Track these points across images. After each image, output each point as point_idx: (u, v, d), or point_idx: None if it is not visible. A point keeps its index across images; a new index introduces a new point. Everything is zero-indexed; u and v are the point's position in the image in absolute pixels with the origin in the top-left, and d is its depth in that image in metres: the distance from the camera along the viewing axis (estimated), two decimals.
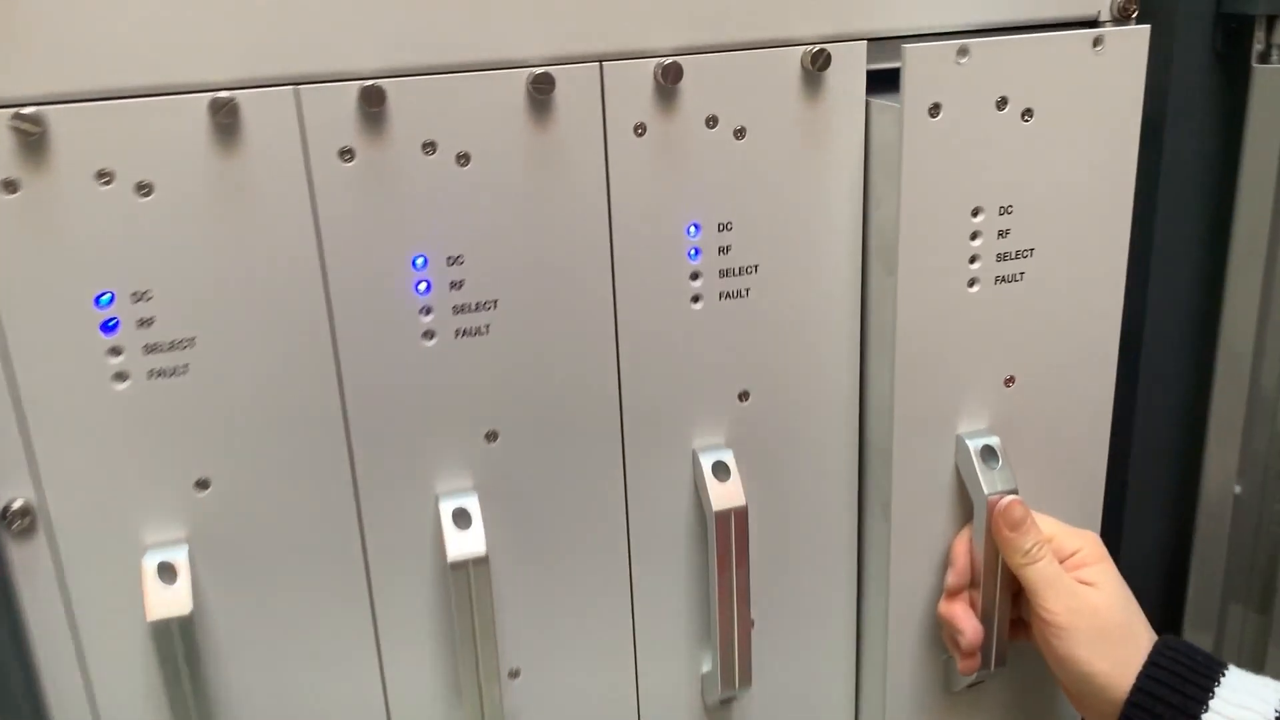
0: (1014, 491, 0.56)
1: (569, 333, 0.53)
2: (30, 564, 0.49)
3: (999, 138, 0.54)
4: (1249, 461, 0.64)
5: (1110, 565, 0.56)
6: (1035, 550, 0.55)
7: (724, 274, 0.55)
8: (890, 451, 0.57)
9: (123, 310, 0.48)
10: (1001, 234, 0.55)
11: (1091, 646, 0.53)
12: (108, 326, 0.48)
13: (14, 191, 0.45)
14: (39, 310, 0.47)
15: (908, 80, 0.51)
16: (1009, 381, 0.58)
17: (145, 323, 0.48)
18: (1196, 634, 0.67)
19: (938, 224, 0.54)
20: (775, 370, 0.57)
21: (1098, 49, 0.54)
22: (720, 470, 0.56)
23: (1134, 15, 0.58)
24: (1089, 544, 0.57)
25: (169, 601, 0.49)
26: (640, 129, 0.51)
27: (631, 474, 0.57)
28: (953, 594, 0.59)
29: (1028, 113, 0.54)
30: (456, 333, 0.52)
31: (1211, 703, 0.50)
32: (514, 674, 0.58)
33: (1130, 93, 0.55)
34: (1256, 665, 0.65)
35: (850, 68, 0.54)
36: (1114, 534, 0.64)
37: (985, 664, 0.59)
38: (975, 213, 0.55)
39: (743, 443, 0.58)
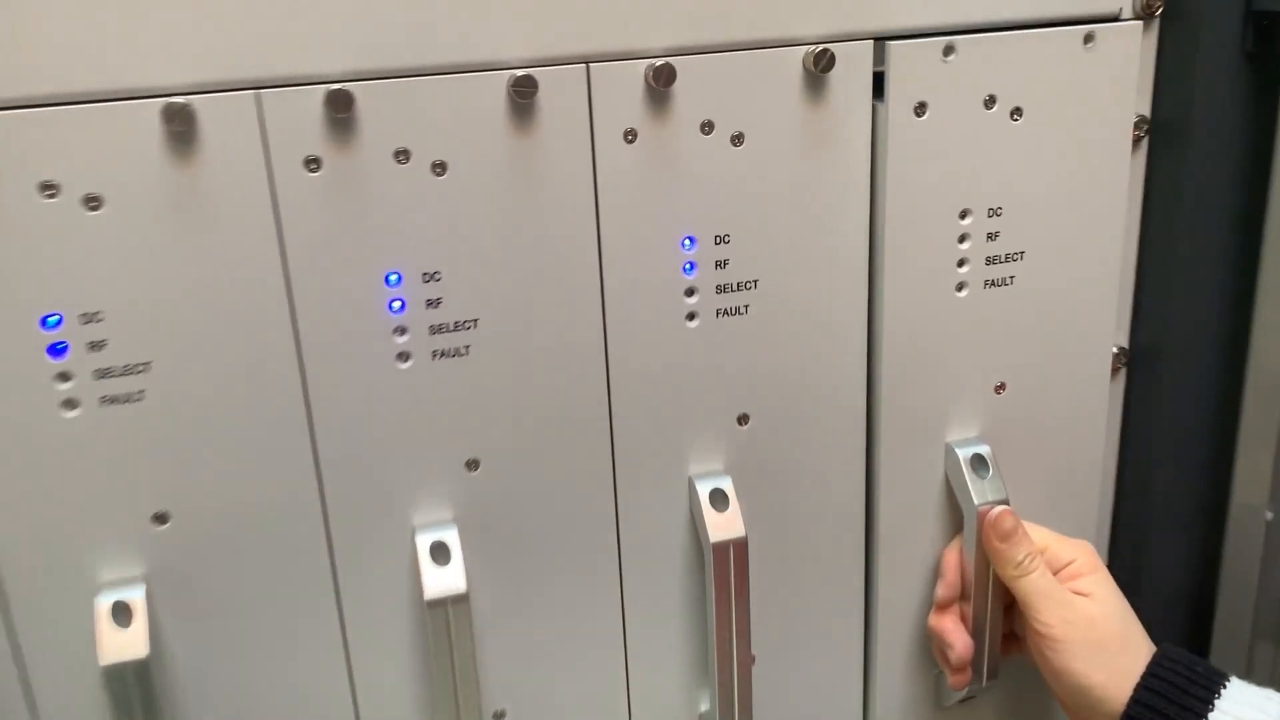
0: (1005, 501, 0.56)
1: (555, 353, 0.51)
2: None
3: (987, 138, 0.53)
4: None
5: (1105, 575, 0.56)
6: (1027, 562, 0.54)
7: (721, 290, 0.53)
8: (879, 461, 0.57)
9: (71, 332, 0.45)
10: (991, 237, 0.55)
11: (1088, 658, 0.52)
12: (55, 350, 0.45)
13: None
14: None
15: (892, 79, 0.51)
16: (999, 388, 0.58)
17: (96, 346, 0.46)
18: None
19: (924, 226, 0.54)
20: (777, 392, 0.55)
21: (1089, 46, 0.53)
22: (718, 499, 0.54)
23: (1158, 12, 0.56)
24: (1083, 554, 0.56)
25: (124, 644, 0.47)
26: (630, 135, 0.49)
27: (623, 504, 0.55)
28: (942, 607, 0.59)
29: (1017, 112, 0.53)
30: (434, 354, 0.49)
31: (1211, 715, 0.49)
32: (498, 716, 0.56)
33: (1123, 91, 0.55)
34: None
35: (855, 69, 0.51)
36: (1135, 564, 0.64)
37: (977, 678, 0.58)
38: (963, 215, 0.54)
39: (742, 469, 0.55)
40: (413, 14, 0.45)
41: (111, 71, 0.43)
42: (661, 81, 0.48)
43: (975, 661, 0.58)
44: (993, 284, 0.56)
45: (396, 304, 0.48)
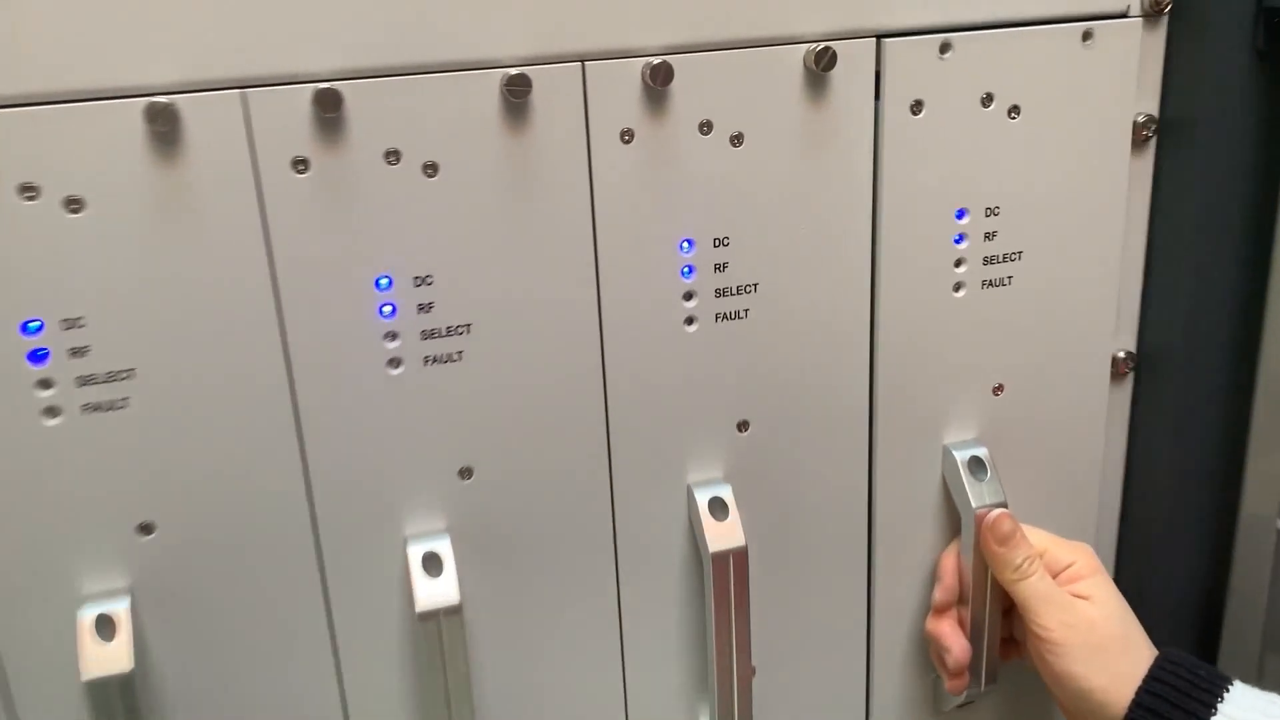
0: (1003, 504, 0.56)
1: (550, 359, 0.50)
2: None
3: (985, 136, 0.53)
4: None
5: (1105, 578, 0.56)
6: (1026, 565, 0.54)
7: (720, 294, 0.52)
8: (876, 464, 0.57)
9: (53, 339, 0.44)
10: (988, 236, 0.55)
11: (1088, 662, 0.52)
12: (36, 356, 0.44)
13: None
14: None
15: (887, 76, 0.50)
16: (997, 389, 0.58)
17: (78, 352, 0.45)
18: None
19: (921, 226, 0.53)
20: (777, 398, 0.54)
21: (1087, 44, 0.53)
22: (717, 507, 0.53)
23: (1167, 10, 0.55)
24: (1083, 556, 0.56)
25: (107, 658, 0.46)
26: (627, 135, 0.48)
27: (620, 513, 0.54)
28: (940, 611, 0.58)
29: (1014, 110, 0.53)
30: (425, 360, 0.48)
31: (1214, 719, 0.49)
32: None
33: (1122, 89, 0.55)
34: None
35: (858, 68, 0.51)
36: (1143, 573, 0.64)
37: (975, 682, 0.58)
38: (960, 214, 0.54)
39: (742, 477, 0.55)
40: (403, 11, 0.44)
41: (92, 70, 0.42)
42: (659, 80, 0.47)
43: (974, 666, 0.57)
44: (990, 284, 0.56)
45: (387, 308, 0.47)
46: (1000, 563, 0.55)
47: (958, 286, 0.55)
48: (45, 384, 0.45)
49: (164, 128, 0.42)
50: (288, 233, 0.45)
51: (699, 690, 0.58)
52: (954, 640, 0.57)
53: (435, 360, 0.49)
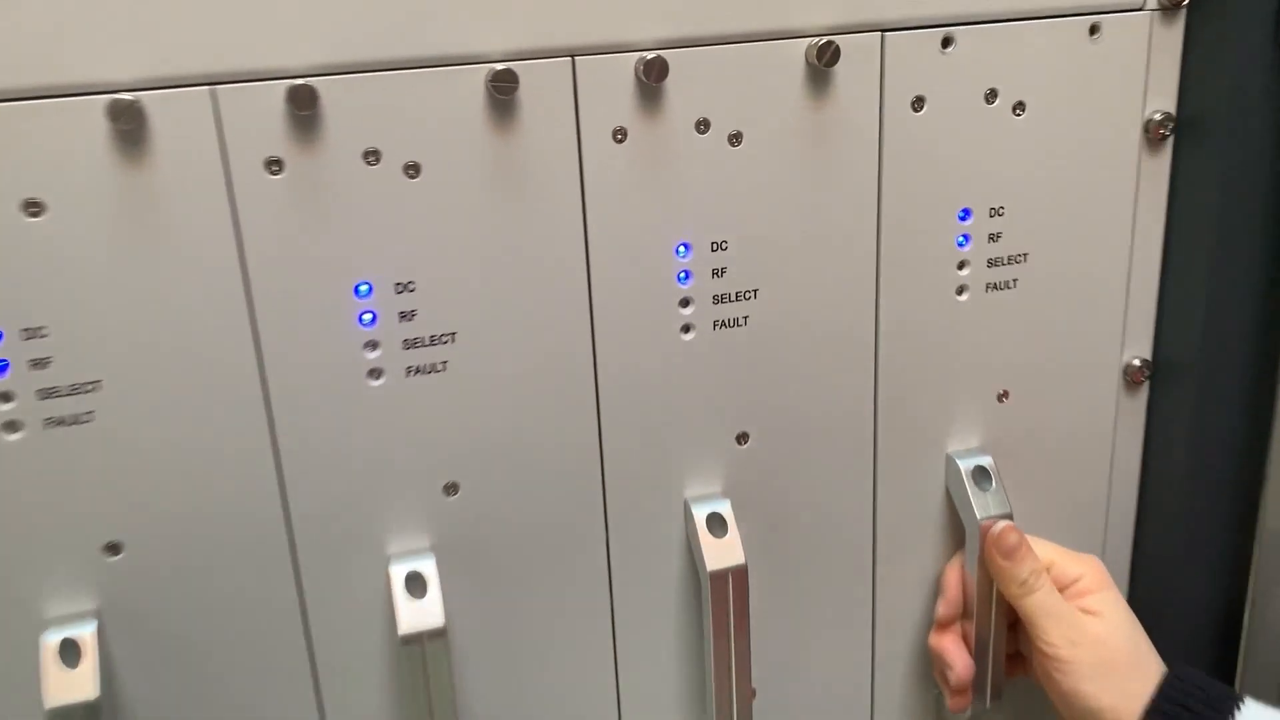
0: (1009, 516, 0.55)
1: (539, 370, 0.49)
2: None
3: (989, 133, 0.52)
4: None
5: (1114, 592, 0.55)
6: (1032, 579, 0.54)
7: (718, 300, 0.51)
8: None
9: (13, 350, 0.42)
10: (993, 238, 0.54)
11: (1096, 680, 0.52)
12: None
13: None
14: None
15: (888, 71, 0.49)
16: (1002, 396, 0.57)
17: (40, 364, 0.43)
18: None
19: (922, 227, 0.53)
20: (778, 408, 0.53)
21: (1095, 37, 0.53)
22: (716, 524, 0.52)
23: (1184, 3, 0.54)
24: (1091, 570, 0.55)
25: (71, 685, 0.44)
26: (620, 134, 0.47)
27: (614, 530, 0.52)
28: (943, 625, 0.58)
29: (1019, 106, 0.52)
30: (408, 370, 0.47)
31: None
32: None
33: (1131, 84, 0.54)
34: None
35: (862, 63, 0.49)
36: (1159, 590, 0.63)
37: (979, 699, 0.57)
38: (964, 215, 0.53)
39: (741, 491, 0.54)
40: (382, 3, 0.43)
41: (52, 65, 0.40)
42: (653, 76, 0.46)
43: (978, 682, 0.57)
44: (995, 287, 0.55)
45: (367, 316, 0.46)
46: (1005, 576, 0.54)
47: (961, 290, 0.54)
48: (5, 397, 0.43)
49: (128, 126, 0.41)
50: (261, 237, 0.44)
51: (697, 713, 0.57)
52: (957, 657, 0.56)
53: (418, 371, 0.47)
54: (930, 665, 0.59)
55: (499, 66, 0.44)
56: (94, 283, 0.42)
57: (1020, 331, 0.56)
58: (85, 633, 0.45)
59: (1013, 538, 0.54)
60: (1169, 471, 0.61)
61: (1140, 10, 0.53)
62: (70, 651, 0.45)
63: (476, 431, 0.49)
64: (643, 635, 0.54)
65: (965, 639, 0.57)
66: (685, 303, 0.50)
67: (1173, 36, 0.55)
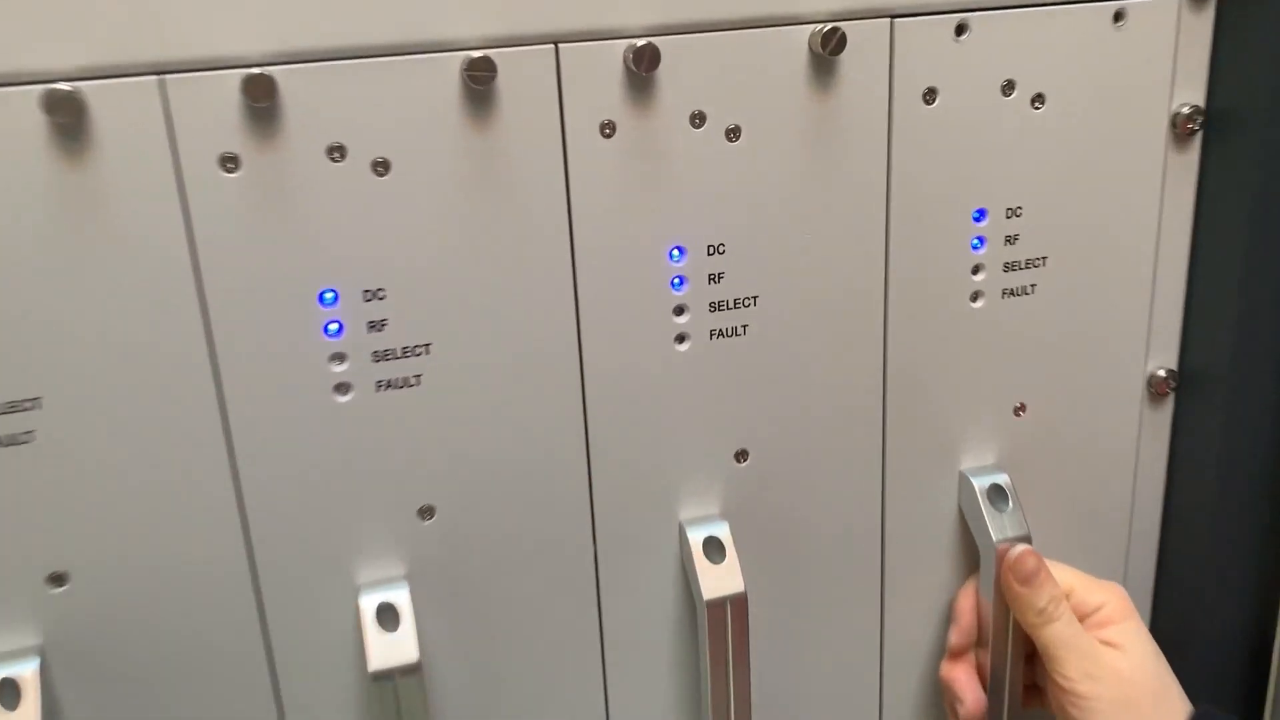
0: (1026, 538, 0.54)
1: (521, 383, 0.47)
2: None
3: (1005, 128, 0.51)
4: None
5: (1138, 623, 0.54)
6: (1051, 607, 0.52)
7: (715, 307, 0.49)
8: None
9: None
10: (1009, 240, 0.53)
11: (1116, 718, 0.51)
12: None
13: None
14: None
15: (898, 61, 0.48)
16: (1019, 409, 0.56)
17: None
18: None
19: (934, 229, 0.52)
20: (779, 423, 0.52)
21: (1119, 25, 0.52)
22: (713, 548, 0.51)
23: None
24: (1113, 598, 0.54)
25: None
26: (608, 129, 0.45)
27: (604, 555, 0.51)
28: (956, 655, 0.57)
29: (1038, 99, 0.51)
30: (378, 385, 0.45)
31: None
32: None
33: (1158, 75, 0.53)
34: None
35: (870, 52, 0.48)
36: (1184, 617, 0.62)
37: None
38: (979, 216, 0.52)
39: (740, 513, 0.52)
40: None
41: None
42: (644, 65, 0.44)
43: (992, 716, 0.55)
44: (1011, 293, 0.54)
45: (333, 326, 0.44)
46: (1023, 604, 0.53)
47: (975, 296, 0.53)
48: None
49: (67, 119, 0.39)
50: (216, 241, 0.42)
51: None
52: (968, 690, 0.55)
53: (389, 385, 0.46)
54: (941, 697, 0.58)
55: (475, 54, 0.42)
56: (33, 290, 0.40)
57: (1038, 340, 0.55)
58: (26, 671, 0.43)
59: (1031, 562, 0.53)
60: (1196, 490, 0.60)
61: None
62: (9, 692, 0.43)
63: (453, 450, 0.47)
64: (634, 669, 0.53)
65: (979, 670, 0.56)
66: (680, 311, 0.49)
67: (1202, 24, 0.53)
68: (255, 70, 0.40)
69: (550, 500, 0.49)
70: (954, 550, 0.57)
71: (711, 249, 0.48)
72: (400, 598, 0.47)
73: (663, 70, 0.45)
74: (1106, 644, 0.52)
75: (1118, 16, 0.51)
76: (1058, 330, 0.55)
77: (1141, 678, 0.51)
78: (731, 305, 0.49)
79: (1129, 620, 0.53)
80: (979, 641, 0.56)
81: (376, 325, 0.44)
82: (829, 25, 0.46)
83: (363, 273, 0.44)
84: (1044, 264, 0.54)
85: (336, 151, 0.42)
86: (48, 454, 0.42)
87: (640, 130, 0.45)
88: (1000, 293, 0.53)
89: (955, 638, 0.56)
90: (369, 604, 0.46)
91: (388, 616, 0.46)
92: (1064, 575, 0.54)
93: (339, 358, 0.44)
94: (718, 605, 0.49)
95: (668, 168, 0.46)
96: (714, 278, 0.48)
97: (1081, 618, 0.53)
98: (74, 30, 0.38)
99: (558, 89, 0.44)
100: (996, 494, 0.55)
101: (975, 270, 0.53)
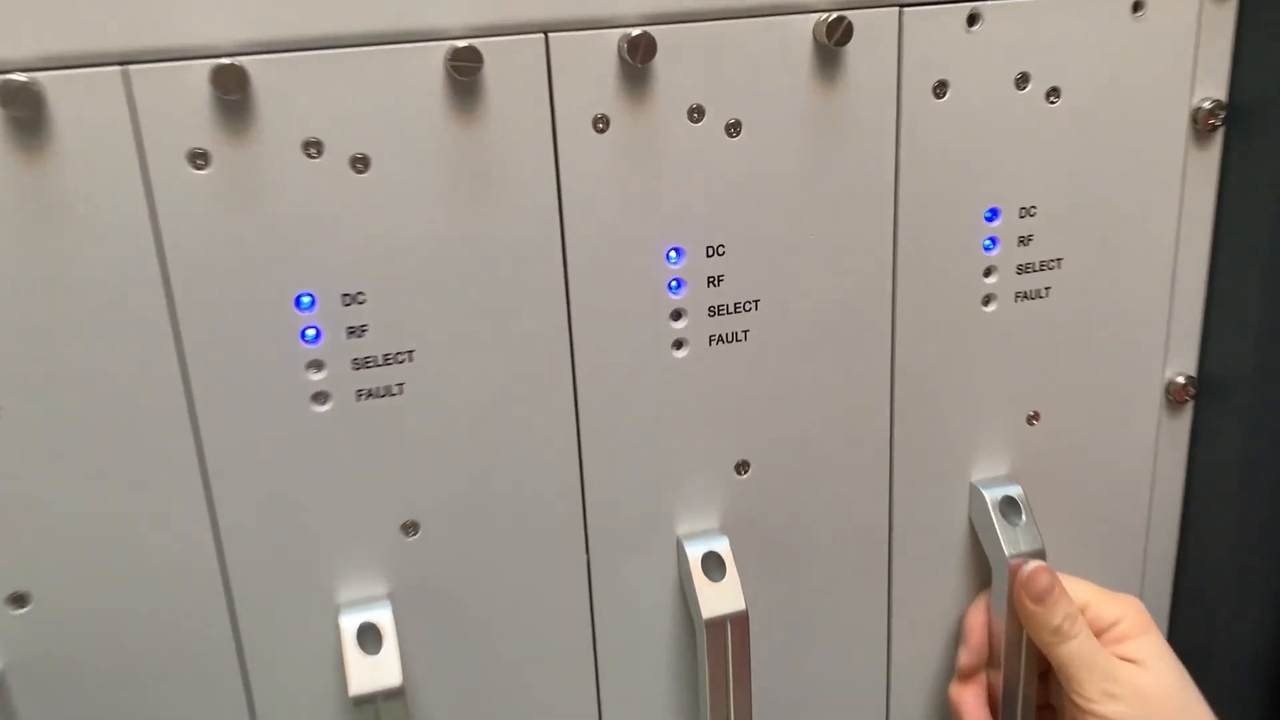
0: (1040, 553, 0.53)
1: (509, 391, 0.46)
2: None
3: (1019, 123, 0.50)
4: None
5: (1158, 638, 0.53)
6: (1067, 625, 0.51)
7: (715, 312, 0.48)
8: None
9: None
10: (1023, 241, 0.52)
11: None
12: None
13: None
14: None
15: (906, 52, 0.48)
16: (1033, 418, 0.55)
17: None
18: None
19: (944, 229, 0.51)
20: (782, 434, 0.51)
21: (1138, 16, 0.51)
22: (713, 565, 0.50)
23: None
24: (1131, 612, 0.53)
25: None
26: (601, 123, 0.44)
27: (598, 571, 0.50)
28: (965, 676, 0.56)
29: (1053, 93, 0.51)
30: (358, 394, 0.44)
31: None
32: None
33: (1178, 68, 0.52)
34: None
35: (878, 42, 0.47)
36: (1203, 632, 0.61)
37: None
38: (991, 216, 0.52)
39: (741, 528, 0.51)
40: None
41: None
42: (639, 56, 0.43)
43: None
44: (1025, 296, 0.53)
45: (310, 332, 0.43)
46: (1037, 623, 0.52)
47: (987, 299, 0.53)
48: None
49: (23, 113, 0.37)
50: (185, 242, 0.40)
51: None
52: (976, 714, 0.55)
53: (370, 394, 0.44)
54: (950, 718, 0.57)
55: (460, 44, 0.41)
56: None
57: (1053, 346, 0.54)
58: None
59: (1045, 579, 0.52)
60: (1215, 502, 0.59)
61: None
62: None
63: (438, 463, 0.46)
64: (630, 692, 0.52)
65: (990, 690, 0.55)
66: (677, 315, 0.48)
67: (1225, 14, 0.52)
68: (226, 60, 0.39)
69: (541, 515, 0.48)
70: (964, 566, 0.56)
71: (710, 250, 0.47)
72: (383, 618, 0.46)
73: (659, 61, 0.44)
74: (1125, 660, 0.51)
75: (1136, 7, 0.50)
76: (1073, 335, 0.54)
77: (1165, 694, 0.50)
78: (732, 309, 0.48)
79: (1148, 634, 0.52)
80: (990, 662, 0.55)
81: (356, 331, 0.43)
82: (834, 14, 0.45)
83: (341, 275, 0.42)
84: (1059, 266, 0.53)
85: (313, 147, 0.41)
86: (5, 470, 0.40)
87: (635, 125, 0.44)
88: (1013, 296, 0.53)
89: (965, 658, 0.55)
90: (350, 624, 0.45)
91: (369, 637, 0.45)
92: (1077, 590, 0.53)
93: (316, 365, 0.43)
94: (717, 625, 0.48)
95: (664, 164, 0.45)
96: (713, 280, 0.48)
97: (1097, 633, 0.52)
98: (31, 16, 0.37)
99: (548, 81, 0.43)
100: (1009, 506, 0.54)
101: (987, 272, 0.52)
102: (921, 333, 0.52)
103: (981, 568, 0.55)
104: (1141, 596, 0.57)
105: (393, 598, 0.46)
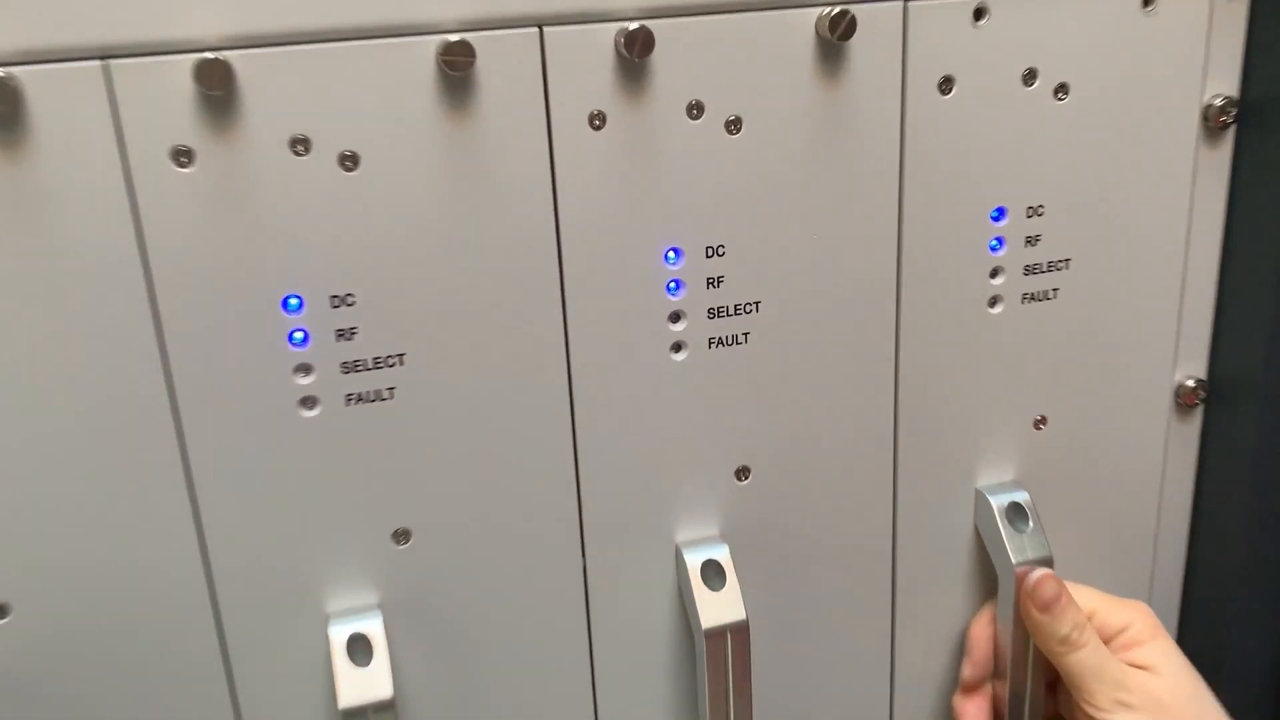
0: (1048, 561, 0.52)
1: (504, 395, 0.45)
2: None
3: (1026, 120, 0.50)
4: None
5: (1169, 643, 0.52)
6: (1075, 634, 0.51)
7: (714, 314, 0.48)
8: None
9: None
10: (1030, 241, 0.52)
11: None
12: None
13: None
14: None
15: (912, 47, 0.47)
16: (1039, 422, 0.55)
17: None
18: None
19: (949, 229, 0.50)
20: (784, 439, 0.50)
21: (1148, 10, 0.50)
22: (713, 573, 0.49)
23: None
24: (1139, 617, 0.53)
25: None
26: (598, 119, 0.44)
27: (594, 580, 0.49)
28: (969, 688, 0.55)
29: (1062, 89, 0.50)
30: (348, 399, 0.44)
31: None
32: None
33: (1189, 64, 0.52)
34: None
35: (882, 37, 0.46)
36: (1213, 639, 0.60)
37: None
38: (998, 215, 0.51)
39: (742, 535, 0.51)
40: None
41: None
42: (636, 50, 0.43)
43: None
44: (1032, 298, 0.53)
45: (298, 335, 0.42)
46: (1044, 632, 0.51)
47: (994, 301, 0.52)
48: None
49: (1, 109, 0.37)
50: (169, 242, 0.40)
51: None
52: None
53: (360, 399, 0.44)
54: None
55: (452, 38, 0.40)
56: None
57: (1060, 348, 0.54)
58: None
59: (1050, 588, 0.51)
60: (1225, 506, 0.59)
61: None
62: None
63: (429, 469, 0.45)
64: (628, 703, 0.52)
65: (996, 702, 0.54)
66: (676, 317, 0.47)
67: (1236, 11, 0.52)
68: (210, 55, 0.38)
69: (536, 522, 0.47)
70: (970, 573, 0.55)
71: (710, 250, 0.47)
72: (373, 628, 0.45)
73: (657, 56, 0.43)
74: (1136, 667, 0.51)
75: (1147, 1, 0.50)
76: (1081, 337, 0.54)
77: (1178, 700, 0.50)
78: (732, 311, 0.48)
79: (1158, 639, 0.52)
80: (996, 672, 0.54)
81: (345, 334, 0.43)
82: (838, 8, 0.44)
83: (330, 276, 0.42)
84: (1067, 266, 0.52)
85: (300, 144, 0.40)
86: None
87: (633, 121, 0.44)
88: (1020, 297, 0.52)
89: (968, 670, 0.55)
90: (339, 635, 0.45)
91: (359, 648, 0.45)
92: (1084, 597, 0.53)
93: (305, 369, 0.43)
94: (717, 634, 0.48)
95: (663, 162, 0.45)
96: (713, 281, 0.47)
97: (1106, 640, 0.52)
98: (8, 8, 0.36)
99: (543, 76, 0.42)
100: (1016, 513, 0.53)
101: (994, 273, 0.51)
102: (926, 335, 0.51)
103: (988, 575, 0.55)
104: (1151, 603, 0.57)
105: (383, 608, 0.46)
